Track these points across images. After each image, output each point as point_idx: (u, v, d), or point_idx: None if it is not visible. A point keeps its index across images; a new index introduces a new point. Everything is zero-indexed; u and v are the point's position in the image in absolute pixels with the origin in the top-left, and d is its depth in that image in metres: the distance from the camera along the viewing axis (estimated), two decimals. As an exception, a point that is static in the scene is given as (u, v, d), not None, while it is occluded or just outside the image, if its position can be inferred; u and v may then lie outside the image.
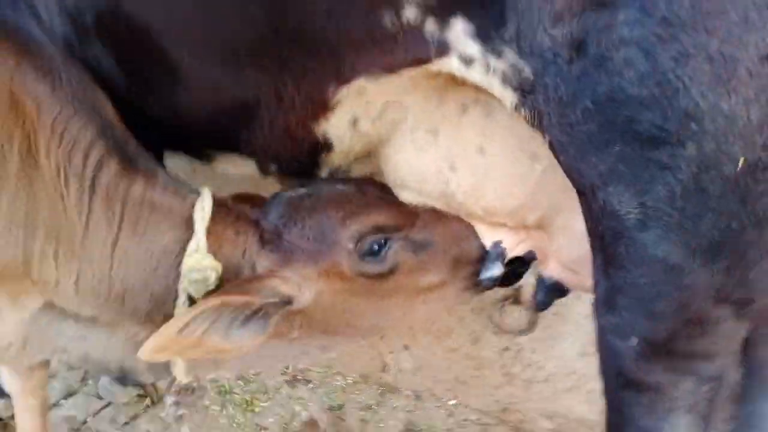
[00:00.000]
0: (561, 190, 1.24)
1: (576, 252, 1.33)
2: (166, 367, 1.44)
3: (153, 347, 1.16)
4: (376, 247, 1.33)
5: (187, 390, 2.61)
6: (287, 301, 1.28)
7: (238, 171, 1.75)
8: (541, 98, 1.04)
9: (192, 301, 1.31)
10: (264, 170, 1.53)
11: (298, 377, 2.81)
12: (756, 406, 1.07)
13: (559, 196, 1.27)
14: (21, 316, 1.38)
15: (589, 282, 1.31)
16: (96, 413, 2.50)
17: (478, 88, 1.18)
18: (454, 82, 1.20)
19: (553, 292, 1.45)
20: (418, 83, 1.22)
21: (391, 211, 1.40)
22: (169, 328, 1.16)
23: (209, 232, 1.30)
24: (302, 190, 1.43)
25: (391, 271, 1.35)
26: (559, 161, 1.09)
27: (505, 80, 1.08)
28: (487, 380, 2.69)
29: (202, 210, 1.31)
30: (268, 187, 1.62)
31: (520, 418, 2.66)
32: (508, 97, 1.09)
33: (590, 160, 1.02)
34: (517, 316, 2.61)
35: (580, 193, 1.09)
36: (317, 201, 1.38)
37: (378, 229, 1.35)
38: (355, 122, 1.33)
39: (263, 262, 1.34)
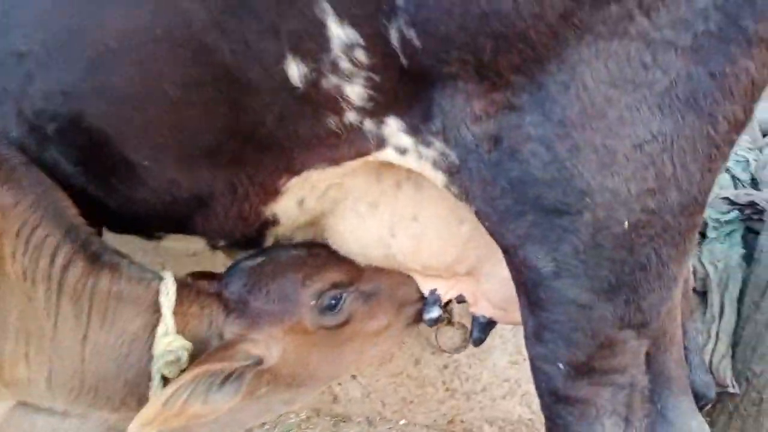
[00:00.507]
0: (485, 245, 1.47)
1: (502, 293, 1.57)
2: None
3: (141, 421, 1.23)
4: (333, 301, 1.50)
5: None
6: (258, 362, 1.40)
7: (184, 246, 1.88)
8: (467, 178, 1.27)
9: (166, 380, 1.39)
10: (213, 245, 1.66)
11: (253, 421, 2.90)
12: (662, 403, 1.34)
13: (484, 250, 1.50)
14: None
15: (516, 317, 1.56)
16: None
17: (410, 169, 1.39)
18: (389, 164, 1.41)
19: (486, 327, 1.69)
20: (357, 168, 1.41)
21: (342, 268, 1.58)
22: (155, 402, 1.24)
23: (175, 312, 1.39)
24: (259, 258, 1.57)
25: (347, 321, 1.53)
26: (484, 226, 1.32)
27: (435, 165, 1.29)
28: (432, 397, 2.90)
29: (167, 294, 1.40)
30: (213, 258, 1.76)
31: (465, 427, 2.90)
32: (439, 177, 1.31)
33: (509, 226, 1.26)
34: (451, 335, 2.84)
35: (504, 251, 1.32)
36: (277, 267, 1.53)
37: (334, 285, 1.52)
38: (301, 202, 1.50)
39: (231, 328, 1.45)
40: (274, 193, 1.40)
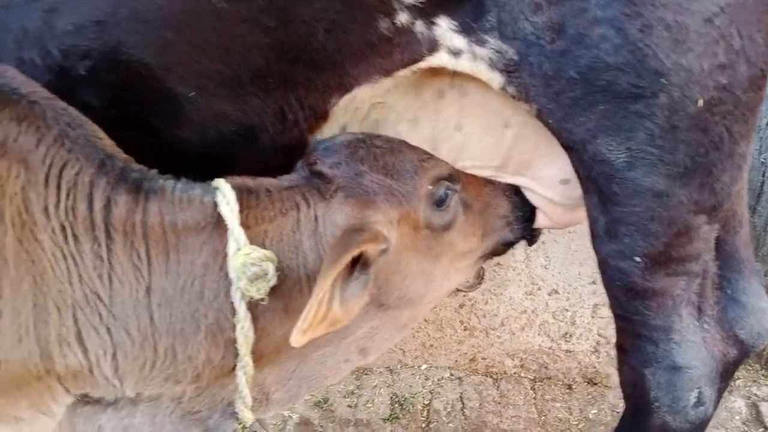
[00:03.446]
0: (530, 149, 1.44)
1: (545, 198, 1.53)
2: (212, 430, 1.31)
3: (303, 329, 1.04)
4: (444, 195, 1.30)
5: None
6: (386, 247, 1.17)
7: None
8: (527, 75, 1.22)
9: (254, 311, 1.16)
10: None
11: (274, 385, 2.85)
12: (733, 287, 1.36)
13: (528, 155, 1.47)
14: (48, 427, 1.20)
15: (560, 220, 1.54)
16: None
17: (454, 74, 1.34)
18: (429, 73, 1.35)
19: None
20: (399, 82, 1.35)
21: (449, 165, 1.37)
22: (311, 306, 1.03)
23: (246, 224, 1.16)
24: (349, 135, 1.32)
25: (449, 226, 1.33)
26: (547, 125, 1.28)
27: (491, 65, 1.24)
28: (451, 338, 2.90)
29: (227, 203, 1.16)
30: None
31: (487, 364, 2.91)
32: (495, 78, 1.26)
33: (577, 120, 1.22)
34: (465, 274, 2.85)
35: (570, 149, 1.29)
36: (390, 142, 1.31)
37: (450, 176, 1.33)
38: (344, 129, 1.43)
39: (341, 211, 1.19)
40: (322, 116, 1.33)
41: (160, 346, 1.15)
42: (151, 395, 1.21)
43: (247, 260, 1.11)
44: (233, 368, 1.21)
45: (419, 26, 1.21)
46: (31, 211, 1.10)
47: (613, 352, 2.90)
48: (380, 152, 1.25)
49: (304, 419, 2.65)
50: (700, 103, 1.15)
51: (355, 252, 1.06)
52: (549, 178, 1.47)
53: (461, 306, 2.87)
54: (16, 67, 1.21)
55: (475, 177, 1.45)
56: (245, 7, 1.13)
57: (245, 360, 1.18)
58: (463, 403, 2.76)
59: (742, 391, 2.79)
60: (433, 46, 1.24)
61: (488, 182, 1.46)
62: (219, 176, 1.43)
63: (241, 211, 1.16)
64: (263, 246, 1.16)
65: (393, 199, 1.22)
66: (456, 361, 2.94)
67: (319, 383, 1.37)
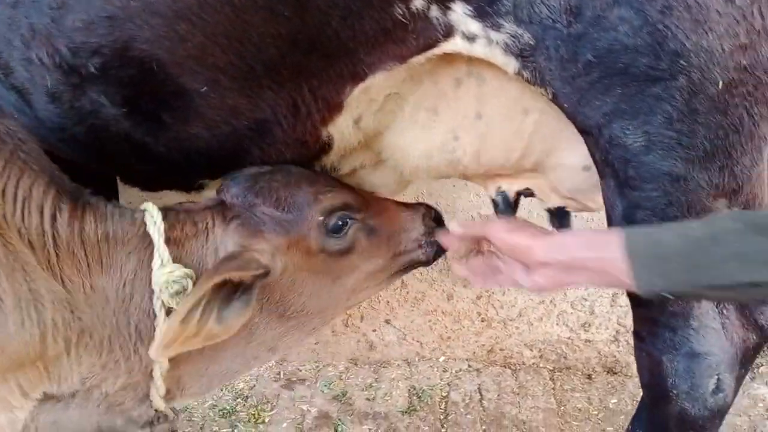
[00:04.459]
0: (551, 135, 1.43)
1: (570, 183, 1.52)
2: (137, 419, 1.42)
3: (162, 344, 1.16)
4: (340, 223, 1.40)
5: (190, 422, 2.59)
6: (266, 273, 1.30)
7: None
8: (543, 59, 1.21)
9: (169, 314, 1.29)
10: None
11: (292, 379, 2.87)
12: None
13: (549, 141, 1.45)
14: (25, 413, 1.29)
15: (587, 204, 1.53)
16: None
17: (469, 61, 1.33)
18: (445, 62, 1.34)
19: (563, 216, 1.64)
20: (414, 71, 1.34)
21: (354, 194, 1.49)
22: (172, 320, 1.16)
23: (169, 240, 1.30)
24: (265, 168, 1.45)
25: (348, 251, 1.43)
26: (562, 109, 1.27)
27: (506, 49, 1.23)
28: (468, 330, 2.90)
29: (154, 223, 1.31)
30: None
31: (505, 355, 2.91)
32: (511, 63, 1.24)
33: (594, 104, 1.21)
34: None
35: (586, 133, 1.27)
36: (289, 176, 1.43)
37: (345, 206, 1.42)
38: (358, 119, 1.42)
39: (233, 238, 1.34)
40: (336, 107, 1.32)
41: (103, 336, 1.28)
42: (88, 387, 1.32)
43: (169, 278, 1.25)
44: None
45: (434, 11, 1.20)
46: None
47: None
48: (275, 186, 1.39)
49: (323, 413, 2.66)
50: (720, 84, 1.13)
51: (218, 279, 1.18)
52: (571, 165, 1.46)
53: (478, 297, 2.86)
54: (23, 68, 1.23)
55: (392, 202, 1.56)
56: (261, -3, 1.13)
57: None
58: (481, 395, 2.76)
59: (766, 377, 2.76)
60: (448, 32, 1.23)
61: (406, 207, 1.59)
62: (229, 172, 1.46)
63: (167, 227, 1.31)
64: (183, 255, 1.31)
65: (280, 229, 1.35)
66: (474, 352, 2.93)
67: (231, 377, 1.52)
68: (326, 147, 1.48)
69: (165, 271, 1.26)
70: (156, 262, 1.27)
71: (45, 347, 1.21)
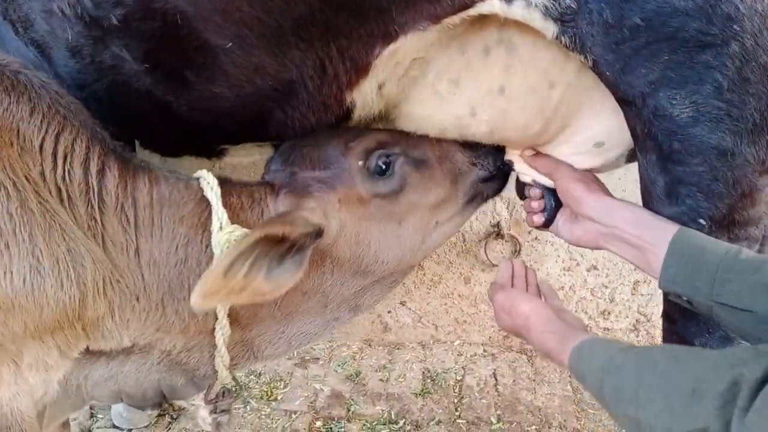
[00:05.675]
0: (570, 112, 1.36)
1: (574, 159, 1.45)
2: (199, 382, 1.43)
3: (202, 292, 1.10)
4: (383, 163, 1.37)
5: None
6: (318, 232, 1.28)
7: (241, 161, 1.74)
8: (585, 23, 1.14)
9: None
10: None
11: (306, 358, 2.84)
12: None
13: (567, 118, 1.38)
14: (61, 373, 1.28)
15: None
16: (119, 443, 2.43)
17: (501, 27, 1.27)
18: (477, 26, 1.28)
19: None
20: (443, 34, 1.28)
21: (383, 133, 1.45)
22: (215, 270, 1.10)
23: (223, 206, 1.29)
24: (286, 144, 1.45)
25: (402, 188, 1.39)
26: (602, 78, 1.20)
27: (546, 12, 1.16)
28: (485, 314, 2.85)
29: (211, 188, 1.30)
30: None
31: (522, 340, 2.85)
32: (549, 27, 1.17)
33: (639, 72, 1.14)
34: (500, 248, 2.78)
35: (627, 103, 1.21)
36: (318, 138, 1.41)
37: (380, 144, 1.39)
38: (382, 85, 1.37)
39: (283, 203, 1.34)
40: (363, 70, 1.27)
41: (152, 300, 1.26)
42: (144, 346, 1.31)
43: (230, 237, 1.24)
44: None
45: None
46: (30, 173, 1.15)
47: (653, 331, 2.82)
48: (306, 150, 1.39)
49: (336, 392, 2.63)
50: (775, 51, 1.07)
51: (262, 234, 1.14)
52: (582, 141, 1.40)
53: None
54: (44, 20, 1.18)
55: (420, 136, 1.47)
56: (289, -53, 1.07)
57: (223, 322, 1.31)
58: (496, 380, 2.72)
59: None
60: (485, -10, 1.17)
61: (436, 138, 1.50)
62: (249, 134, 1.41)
63: (222, 194, 1.29)
64: (237, 223, 1.28)
65: (325, 187, 1.35)
66: (490, 337, 2.89)
67: (311, 339, 1.50)
68: (348, 114, 1.43)
69: (225, 231, 1.25)
70: (215, 225, 1.26)
71: (85, 309, 1.19)
